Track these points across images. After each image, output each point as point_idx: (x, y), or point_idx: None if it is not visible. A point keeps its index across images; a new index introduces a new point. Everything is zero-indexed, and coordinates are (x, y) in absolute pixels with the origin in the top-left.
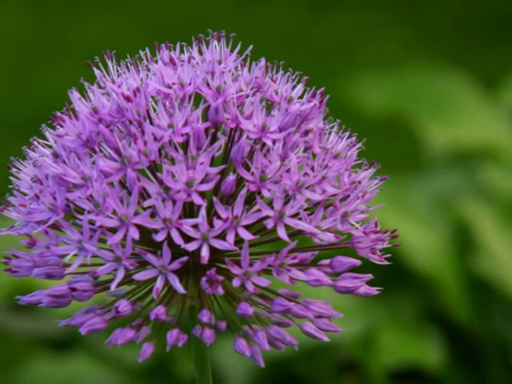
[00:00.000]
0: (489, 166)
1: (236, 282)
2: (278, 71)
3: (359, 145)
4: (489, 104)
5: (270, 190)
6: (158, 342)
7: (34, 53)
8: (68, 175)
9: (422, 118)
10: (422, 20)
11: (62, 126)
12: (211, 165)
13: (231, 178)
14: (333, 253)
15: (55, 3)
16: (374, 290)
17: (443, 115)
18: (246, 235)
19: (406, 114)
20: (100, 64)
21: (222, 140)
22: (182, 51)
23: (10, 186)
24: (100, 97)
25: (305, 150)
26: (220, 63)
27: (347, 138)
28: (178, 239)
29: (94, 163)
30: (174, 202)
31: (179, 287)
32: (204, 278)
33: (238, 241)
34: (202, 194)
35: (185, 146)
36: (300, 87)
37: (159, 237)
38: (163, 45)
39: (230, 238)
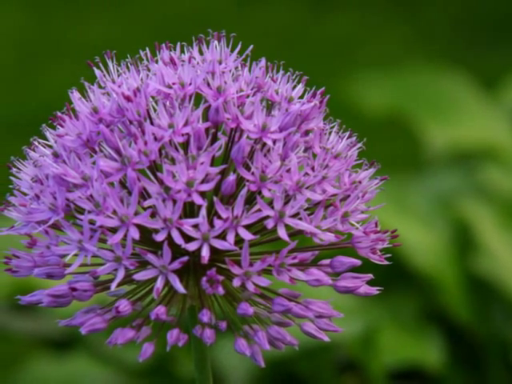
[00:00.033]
0: (489, 166)
1: (236, 282)
2: (278, 71)
3: (359, 145)
4: (489, 104)
5: (270, 190)
6: (159, 342)
7: (34, 53)
8: (68, 175)
9: (422, 118)
10: (421, 20)
11: (62, 126)
12: (212, 165)
13: (231, 177)
14: (333, 253)
15: (55, 3)
16: (375, 290)
17: (443, 115)
18: (247, 235)
19: (406, 114)
20: (100, 64)
21: (222, 140)
22: (182, 51)
23: (11, 186)
24: (100, 97)
25: (305, 150)
26: (220, 63)
27: (347, 138)
28: (178, 239)
29: (94, 163)
30: (175, 201)
31: (179, 287)
32: (204, 278)
33: (239, 241)
34: (203, 194)
35: (185, 145)
36: (300, 87)
37: (159, 237)
38: (163, 45)
39: (231, 237)
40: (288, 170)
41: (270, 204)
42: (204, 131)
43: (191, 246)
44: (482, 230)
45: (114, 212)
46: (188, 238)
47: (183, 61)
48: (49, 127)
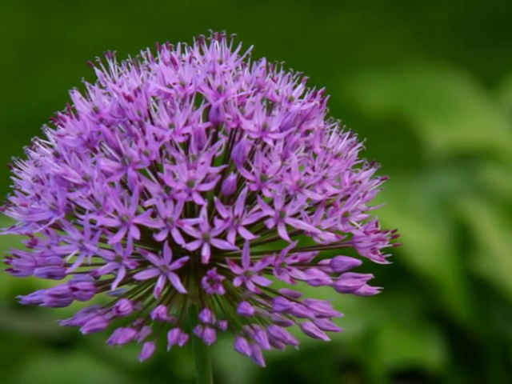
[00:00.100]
0: (489, 166)
1: (237, 282)
2: (278, 71)
3: (360, 145)
4: (489, 104)
5: (270, 190)
6: (159, 342)
7: (34, 53)
8: (69, 175)
9: (423, 118)
10: (421, 20)
11: (63, 126)
12: (212, 164)
13: (232, 177)
14: (333, 252)
15: (55, 3)
16: (375, 290)
17: (443, 115)
18: (247, 235)
19: (406, 114)
20: (101, 64)
21: (222, 140)
22: (182, 51)
23: (11, 186)
24: (101, 97)
25: (305, 150)
26: (221, 63)
27: (348, 138)
28: (178, 239)
29: (94, 163)
30: (175, 201)
31: (180, 287)
32: (205, 278)
33: (239, 240)
34: (203, 194)
35: (186, 145)
36: (301, 87)
37: (160, 236)
38: (164, 45)
39: (231, 237)
40: (288, 170)
41: (271, 204)
42: (204, 131)
43: (192, 246)
44: (483, 229)
45: (115, 212)
46: (188, 238)
47: (184, 61)
48: (49, 127)
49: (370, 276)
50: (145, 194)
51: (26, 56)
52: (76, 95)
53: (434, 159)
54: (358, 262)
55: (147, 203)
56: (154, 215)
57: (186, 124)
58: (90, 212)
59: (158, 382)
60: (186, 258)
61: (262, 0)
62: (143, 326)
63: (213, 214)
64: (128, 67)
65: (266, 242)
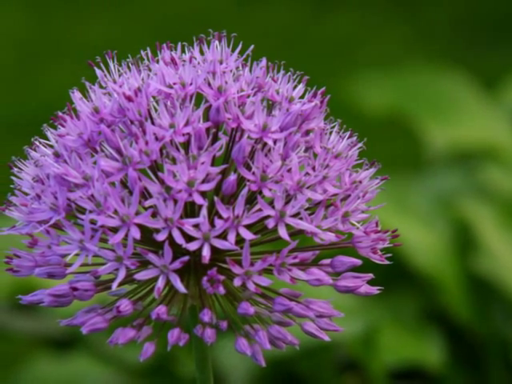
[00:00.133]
0: (489, 166)
1: (237, 282)
2: (278, 71)
3: (360, 144)
4: (489, 104)
5: (271, 190)
6: (159, 342)
7: (34, 53)
8: (69, 175)
9: (423, 118)
10: (421, 20)
11: (63, 126)
12: (212, 164)
13: (232, 177)
14: (334, 252)
15: (55, 3)
16: (375, 290)
17: (443, 115)
18: (247, 235)
19: (406, 114)
20: (101, 64)
21: (223, 140)
22: (183, 51)
23: (12, 186)
24: (101, 97)
25: (306, 150)
26: (221, 63)
27: (348, 138)
28: (179, 239)
29: (95, 163)
30: (176, 201)
31: (180, 287)
32: (205, 278)
33: (239, 240)
34: (203, 194)
35: (186, 145)
36: (301, 87)
37: (160, 236)
38: (164, 45)
39: (231, 237)
40: (289, 170)
41: (271, 204)
42: (205, 131)
43: (192, 246)
44: (483, 229)
45: (115, 212)
46: (189, 238)
47: (184, 61)
48: (50, 127)
49: (370, 276)
50: (145, 194)
51: (26, 56)
52: (76, 95)
53: (434, 159)
54: (359, 261)
55: (148, 203)
56: (154, 215)
57: (187, 124)
58: (91, 212)
59: (159, 381)
60: (186, 258)
61: (262, 0)
62: (143, 326)
63: (213, 213)
64: (128, 67)
65: (266, 241)
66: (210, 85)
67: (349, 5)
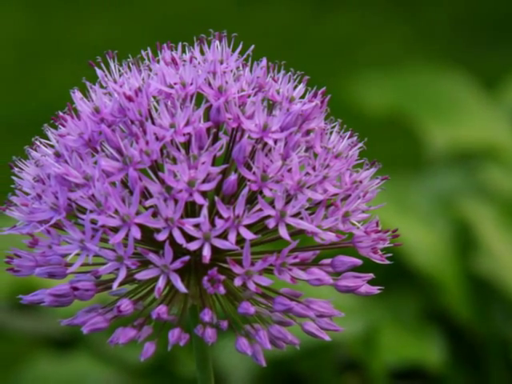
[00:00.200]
0: (489, 166)
1: (238, 282)
2: (279, 71)
3: (360, 144)
4: (489, 104)
5: (271, 190)
6: (160, 342)
7: (34, 53)
8: (70, 175)
9: (423, 118)
10: (421, 20)
11: (64, 126)
12: (213, 164)
13: (233, 177)
14: (334, 252)
15: (55, 3)
16: (375, 290)
17: (443, 115)
18: (248, 234)
19: (406, 114)
20: (102, 64)
21: (223, 140)
22: (183, 51)
23: (12, 186)
24: (102, 96)
25: (306, 150)
26: (222, 63)
27: (348, 138)
28: (179, 238)
29: (95, 163)
30: (176, 201)
31: (181, 286)
32: (206, 278)
33: (240, 240)
34: (204, 194)
35: (187, 145)
36: (301, 87)
37: (161, 236)
38: (165, 45)
39: (232, 237)
40: (289, 170)
41: (271, 203)
42: (205, 131)
43: (192, 246)
44: (483, 229)
45: (116, 211)
46: (189, 238)
47: (184, 61)
48: (50, 127)
49: (371, 276)
50: (146, 194)
51: (26, 56)
52: (77, 95)
53: (435, 159)
54: (359, 261)
55: (148, 203)
56: (154, 215)
57: (187, 124)
58: (91, 212)
59: (159, 381)
60: (186, 258)
61: (262, 0)
62: (144, 326)
63: (214, 213)
64: (129, 67)
65: (266, 241)
66: (210, 85)
67: (349, 5)
